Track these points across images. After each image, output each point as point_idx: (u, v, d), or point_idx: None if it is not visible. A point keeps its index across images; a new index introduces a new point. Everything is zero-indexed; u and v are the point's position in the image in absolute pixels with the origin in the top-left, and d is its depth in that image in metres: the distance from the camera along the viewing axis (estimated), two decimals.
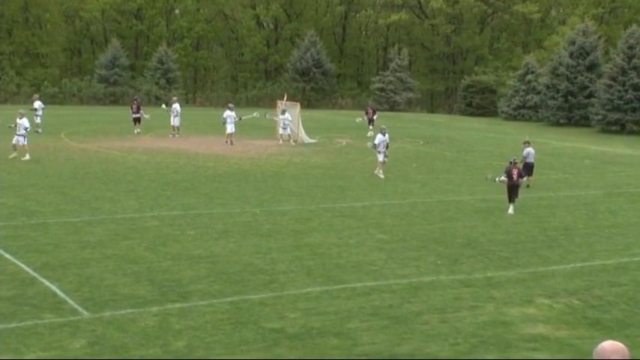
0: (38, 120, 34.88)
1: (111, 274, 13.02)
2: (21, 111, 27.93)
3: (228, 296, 12.09)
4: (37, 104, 35.36)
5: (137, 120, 36.89)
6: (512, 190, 20.44)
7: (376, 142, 25.87)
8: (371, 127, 40.33)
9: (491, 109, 62.55)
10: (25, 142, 26.65)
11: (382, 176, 25.38)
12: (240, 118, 35.19)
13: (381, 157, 25.70)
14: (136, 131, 36.34)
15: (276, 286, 12.80)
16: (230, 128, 33.74)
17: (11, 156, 26.32)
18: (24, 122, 26.81)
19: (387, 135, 26.08)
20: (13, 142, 26.67)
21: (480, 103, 63.69)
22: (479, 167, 29.49)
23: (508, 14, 72.02)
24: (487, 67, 68.51)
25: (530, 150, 24.89)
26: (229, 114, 33.93)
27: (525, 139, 25.93)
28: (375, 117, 41.32)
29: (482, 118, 59.82)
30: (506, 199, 20.57)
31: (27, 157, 26.37)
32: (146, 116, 36.93)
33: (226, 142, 33.49)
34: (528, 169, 24.58)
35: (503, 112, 59.57)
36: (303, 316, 11.27)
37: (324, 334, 10.60)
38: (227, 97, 67.66)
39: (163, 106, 40.67)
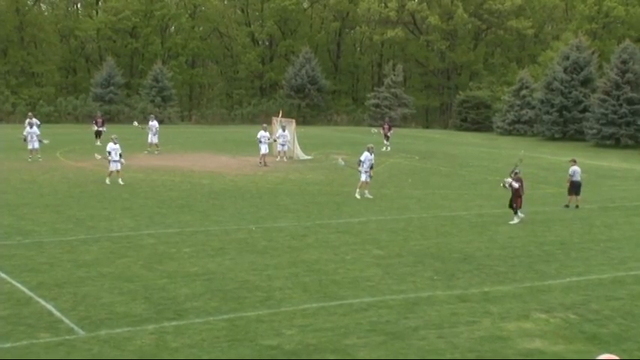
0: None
1: (107, 292, 12.99)
2: (113, 136, 26.86)
3: (224, 313, 12.07)
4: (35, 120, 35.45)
5: (99, 134, 38.85)
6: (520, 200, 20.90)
7: (361, 158, 24.60)
8: (386, 142, 40.37)
9: (486, 124, 62.74)
10: (114, 168, 25.75)
11: (370, 196, 24.41)
12: (274, 140, 34.83)
13: (363, 177, 24.52)
14: (97, 144, 37.51)
15: (272, 302, 12.78)
16: (264, 149, 32.86)
17: (107, 181, 25.77)
18: (118, 147, 25.97)
19: (373, 154, 25.00)
20: (115, 167, 25.78)
21: (475, 119, 63.89)
22: (474, 182, 29.56)
23: (502, 30, 72.36)
24: (482, 83, 68.79)
25: (576, 168, 24.17)
26: (263, 134, 33.18)
27: (571, 158, 25.56)
28: (390, 132, 41.17)
29: (477, 133, 59.99)
30: (501, 214, 20.71)
31: (109, 181, 25.78)
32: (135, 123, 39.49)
33: (260, 162, 32.65)
34: (575, 187, 24.14)
35: (498, 127, 59.75)
36: (300, 333, 11.25)
37: (320, 351, 10.58)
38: (222, 115, 67.86)
39: (135, 123, 40.89)
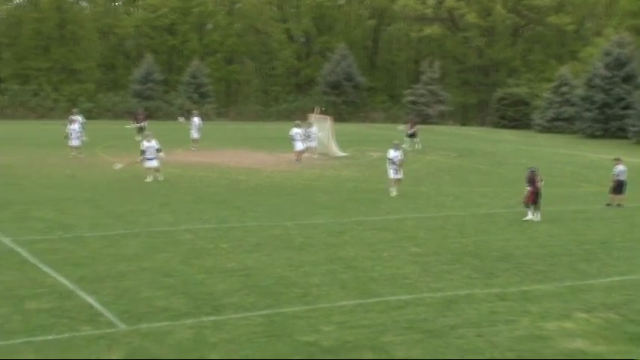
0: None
1: (146, 286, 13.13)
2: (147, 132, 26.70)
3: (261, 309, 12.11)
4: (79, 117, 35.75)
5: (141, 129, 38.71)
6: (535, 197, 20.68)
7: (390, 157, 24.52)
8: (415, 140, 40.07)
9: (524, 122, 62.09)
10: (150, 165, 25.54)
11: (394, 194, 24.22)
12: (308, 136, 34.51)
13: (391, 174, 24.39)
14: (137, 139, 37.40)
15: (309, 299, 12.79)
16: (298, 146, 32.71)
17: (149, 179, 25.41)
18: (153, 144, 25.72)
19: (399, 151, 24.71)
20: (152, 165, 25.54)
21: (513, 116, 63.25)
22: (513, 180, 29.19)
23: (541, 26, 71.46)
24: (520, 80, 68.03)
25: (621, 168, 23.85)
26: (297, 131, 32.94)
27: (615, 157, 25.21)
28: (411, 131, 40.88)
29: (515, 131, 59.37)
30: (542, 213, 20.52)
31: (154, 177, 25.61)
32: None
33: (296, 159, 32.39)
34: (619, 186, 23.81)
35: (537, 124, 59.07)
36: (338, 330, 11.24)
37: (358, 348, 10.57)
38: (258, 111, 68.15)
39: (180, 119, 41.24)
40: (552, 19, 68.88)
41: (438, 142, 43.07)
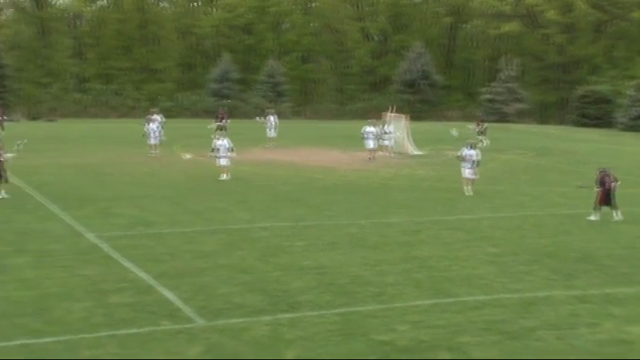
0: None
1: (224, 283, 13.36)
2: (221, 132, 27.24)
3: (337, 307, 12.15)
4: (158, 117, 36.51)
5: (222, 128, 38.29)
6: (607, 198, 20.24)
7: (462, 154, 24.38)
8: (481, 137, 39.41)
9: (606, 120, 60.14)
10: (224, 164, 25.85)
11: (468, 193, 23.91)
12: (381, 135, 33.94)
13: (465, 173, 24.17)
14: (212, 137, 37.88)
15: (384, 298, 12.77)
16: (370, 144, 32.46)
17: (222, 178, 25.63)
18: (225, 143, 26.10)
19: (472, 150, 24.36)
20: (223, 163, 25.87)
21: (595, 114, 61.32)
22: (594, 179, 28.38)
23: (626, 21, 69.03)
24: (603, 77, 65.89)
25: None
26: (369, 129, 32.62)
27: None
28: (479, 129, 40.25)
29: (596, 129, 57.60)
30: (625, 213, 19.94)
31: (224, 177, 25.67)
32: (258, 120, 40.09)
33: (369, 158, 32.25)
34: None
35: (620, 122, 57.17)
36: (413, 329, 11.18)
37: (434, 348, 10.48)
38: (333, 110, 68.30)
39: (258, 119, 41.57)
40: (637, 14, 66.43)
41: (516, 141, 42.24)
